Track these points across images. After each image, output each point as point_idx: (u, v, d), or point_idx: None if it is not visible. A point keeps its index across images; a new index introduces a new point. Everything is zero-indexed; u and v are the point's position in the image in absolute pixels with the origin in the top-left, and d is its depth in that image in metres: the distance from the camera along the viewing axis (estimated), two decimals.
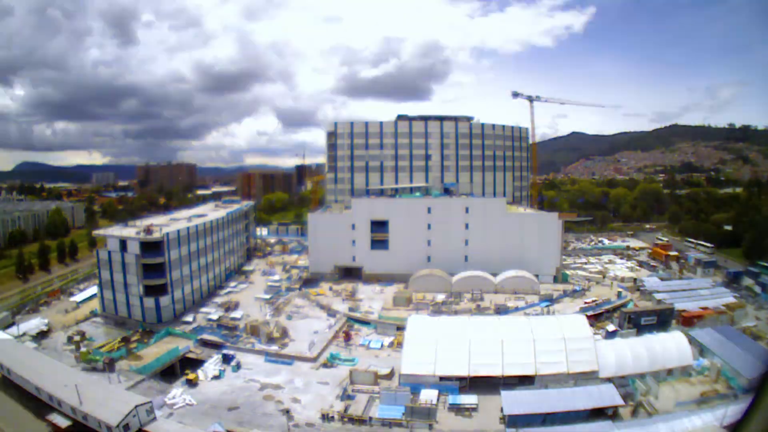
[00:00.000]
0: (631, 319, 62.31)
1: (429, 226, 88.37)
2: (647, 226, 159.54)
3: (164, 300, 70.25)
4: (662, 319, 62.56)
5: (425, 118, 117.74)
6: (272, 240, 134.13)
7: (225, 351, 57.79)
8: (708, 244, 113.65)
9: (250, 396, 48.96)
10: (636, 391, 45.81)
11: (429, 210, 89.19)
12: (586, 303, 71.97)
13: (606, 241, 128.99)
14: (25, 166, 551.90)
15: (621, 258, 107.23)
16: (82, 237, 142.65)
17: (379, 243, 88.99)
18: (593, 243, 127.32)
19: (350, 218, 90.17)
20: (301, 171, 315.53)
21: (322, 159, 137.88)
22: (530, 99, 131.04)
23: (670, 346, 51.68)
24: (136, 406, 40.87)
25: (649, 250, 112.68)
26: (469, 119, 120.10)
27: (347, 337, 62.58)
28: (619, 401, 43.06)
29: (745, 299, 73.98)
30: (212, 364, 55.00)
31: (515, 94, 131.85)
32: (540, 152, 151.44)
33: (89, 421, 41.37)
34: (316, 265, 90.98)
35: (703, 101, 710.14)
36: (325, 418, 44.25)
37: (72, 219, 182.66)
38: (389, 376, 51.86)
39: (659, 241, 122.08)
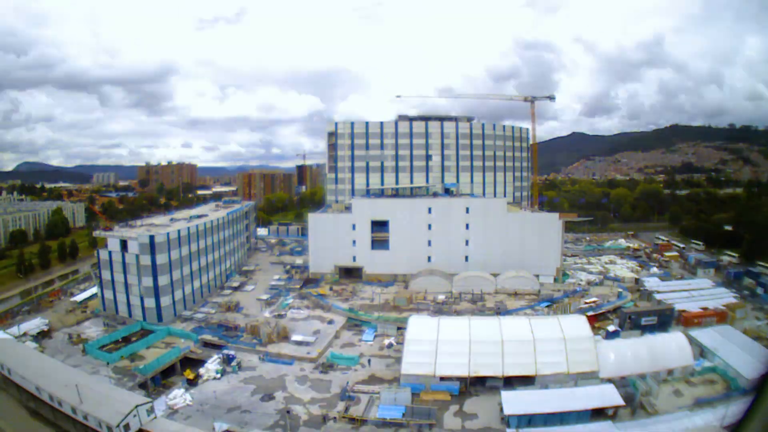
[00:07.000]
0: (631, 320, 62.34)
1: (429, 227, 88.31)
2: (647, 225, 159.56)
3: (165, 300, 70.21)
4: (662, 319, 62.58)
5: (426, 118, 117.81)
6: (273, 240, 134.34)
7: (225, 351, 57.75)
8: (699, 243, 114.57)
9: (250, 396, 48.96)
10: (636, 392, 45.75)
11: (429, 210, 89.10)
12: (586, 303, 71.92)
13: (606, 242, 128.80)
14: (25, 166, 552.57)
15: (622, 258, 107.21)
16: (82, 237, 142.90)
17: (379, 243, 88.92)
18: (594, 243, 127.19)
19: (351, 218, 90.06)
20: (302, 171, 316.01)
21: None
22: (530, 99, 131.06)
23: (671, 347, 51.65)
24: (136, 406, 40.81)
25: (651, 250, 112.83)
26: (469, 119, 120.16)
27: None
28: (620, 401, 42.99)
29: (745, 299, 73.99)
30: (213, 364, 55.00)
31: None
32: (540, 152, 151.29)
33: (89, 421, 41.36)
34: (316, 265, 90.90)
35: None
36: (326, 418, 44.26)
37: (72, 219, 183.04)
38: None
39: (659, 242, 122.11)
